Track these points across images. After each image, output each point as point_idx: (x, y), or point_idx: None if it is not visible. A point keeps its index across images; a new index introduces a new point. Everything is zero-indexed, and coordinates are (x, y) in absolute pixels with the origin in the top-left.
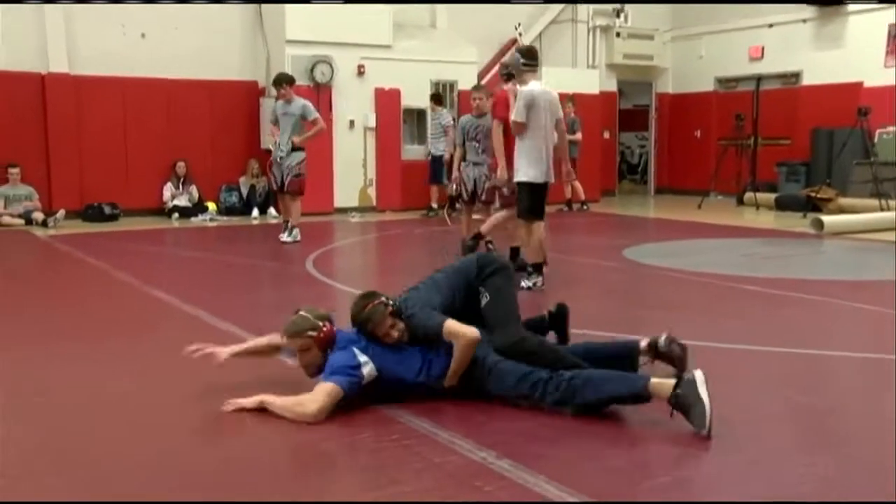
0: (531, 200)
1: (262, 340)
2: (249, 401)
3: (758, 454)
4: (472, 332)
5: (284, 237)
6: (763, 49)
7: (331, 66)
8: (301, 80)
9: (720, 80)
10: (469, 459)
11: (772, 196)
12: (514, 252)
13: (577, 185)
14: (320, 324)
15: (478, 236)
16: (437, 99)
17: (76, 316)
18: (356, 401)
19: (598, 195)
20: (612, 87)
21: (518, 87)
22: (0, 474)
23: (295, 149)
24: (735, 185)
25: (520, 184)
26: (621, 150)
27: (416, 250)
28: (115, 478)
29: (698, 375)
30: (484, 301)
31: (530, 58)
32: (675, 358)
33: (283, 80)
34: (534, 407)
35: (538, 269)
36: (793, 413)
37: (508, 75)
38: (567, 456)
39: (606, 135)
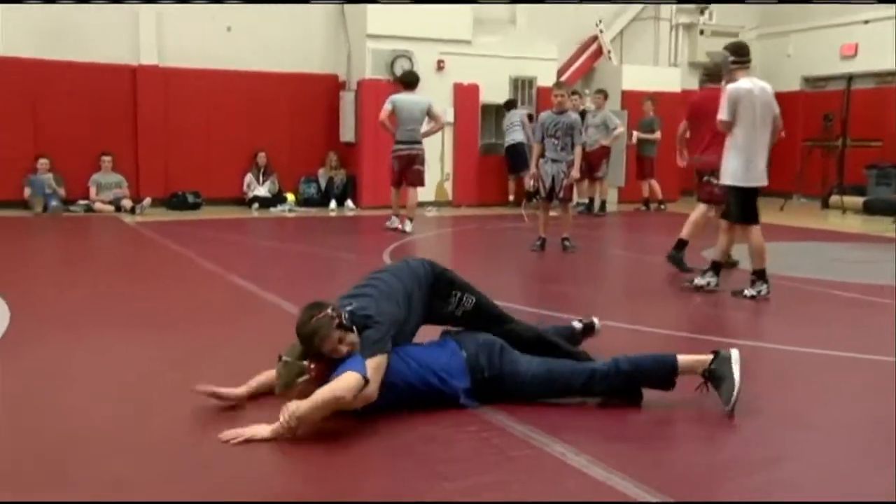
0: (741, 204)
1: (263, 378)
2: (251, 431)
3: (835, 462)
4: (350, 392)
5: (408, 228)
6: (857, 46)
7: (411, 60)
8: (381, 75)
9: (808, 80)
10: (545, 453)
11: (860, 200)
12: (681, 244)
13: (655, 184)
14: (305, 364)
15: (682, 244)
16: (509, 105)
17: (162, 303)
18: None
19: (678, 195)
20: (694, 85)
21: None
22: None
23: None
24: (820, 187)
25: (728, 187)
26: None
27: (490, 246)
28: (197, 453)
29: (734, 354)
30: (470, 302)
31: (740, 54)
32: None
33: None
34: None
35: (762, 275)
36: (874, 421)
37: (710, 77)
38: (648, 456)
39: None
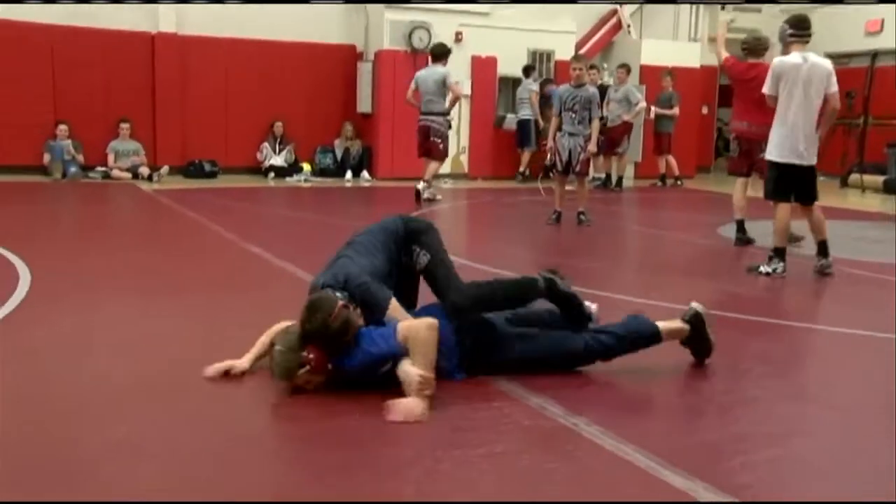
0: (774, 180)
1: (265, 339)
2: (407, 410)
3: (848, 438)
4: (425, 319)
5: (426, 194)
6: (882, 23)
7: (429, 32)
8: (398, 46)
9: (831, 56)
10: (559, 424)
11: (880, 179)
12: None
13: (672, 160)
14: (304, 354)
15: (742, 225)
16: (527, 71)
17: (179, 269)
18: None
19: (694, 171)
20: (713, 60)
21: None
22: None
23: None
24: (840, 166)
25: (767, 161)
26: (719, 127)
27: (506, 218)
28: (210, 410)
29: (701, 311)
30: (424, 260)
31: (800, 27)
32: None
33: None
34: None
35: (780, 254)
36: (889, 399)
37: (749, 51)
38: (661, 427)
39: (705, 110)
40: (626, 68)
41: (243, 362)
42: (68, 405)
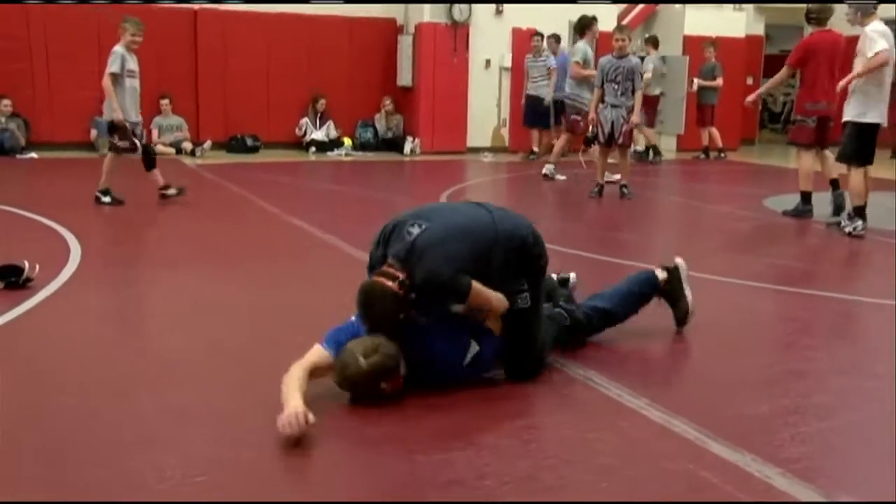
0: (860, 142)
1: (300, 374)
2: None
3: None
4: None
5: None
6: None
7: (469, 4)
8: (439, 18)
9: (885, 22)
10: (602, 395)
11: None
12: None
13: (715, 132)
14: (383, 385)
15: (809, 196)
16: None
17: (226, 241)
18: None
19: (737, 144)
20: (758, 30)
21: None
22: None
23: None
24: (891, 136)
25: (850, 123)
26: (763, 98)
27: (548, 192)
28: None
29: (682, 267)
30: (522, 304)
31: None
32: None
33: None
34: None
35: (860, 212)
36: None
37: (817, 20)
38: (708, 399)
39: (750, 81)
40: (651, 42)
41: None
42: (122, 371)
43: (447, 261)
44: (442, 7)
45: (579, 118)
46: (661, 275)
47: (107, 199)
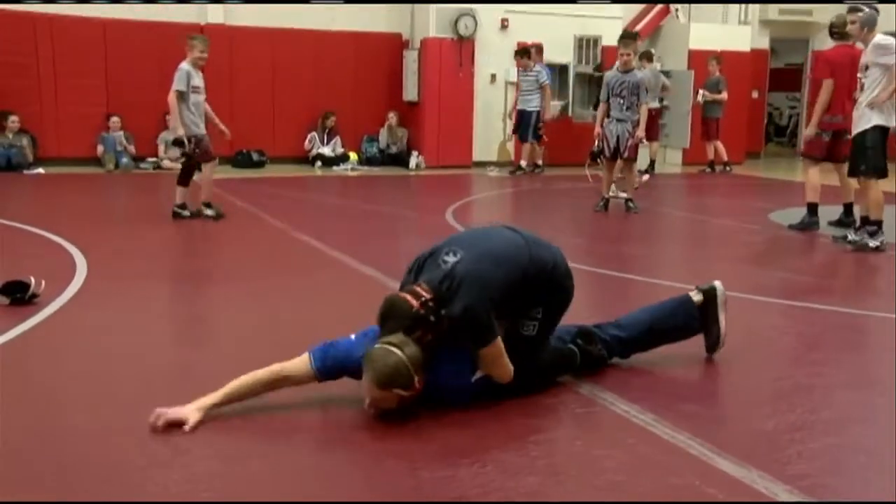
0: (881, 150)
1: (251, 380)
2: None
3: None
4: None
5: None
6: None
7: (474, 19)
8: (444, 33)
9: (888, 32)
10: (610, 411)
11: None
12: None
13: (720, 145)
14: (416, 379)
15: (816, 208)
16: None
17: (232, 257)
18: None
19: (743, 157)
20: (763, 44)
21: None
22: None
23: None
24: None
25: (869, 130)
26: (769, 112)
27: (553, 206)
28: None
29: (719, 291)
30: (528, 332)
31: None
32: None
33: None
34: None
35: (881, 226)
36: None
37: (840, 34)
38: (714, 415)
39: (755, 95)
40: (646, 55)
41: (195, 413)
42: (127, 386)
43: (483, 291)
44: (447, 22)
45: None
46: (697, 297)
47: (210, 213)
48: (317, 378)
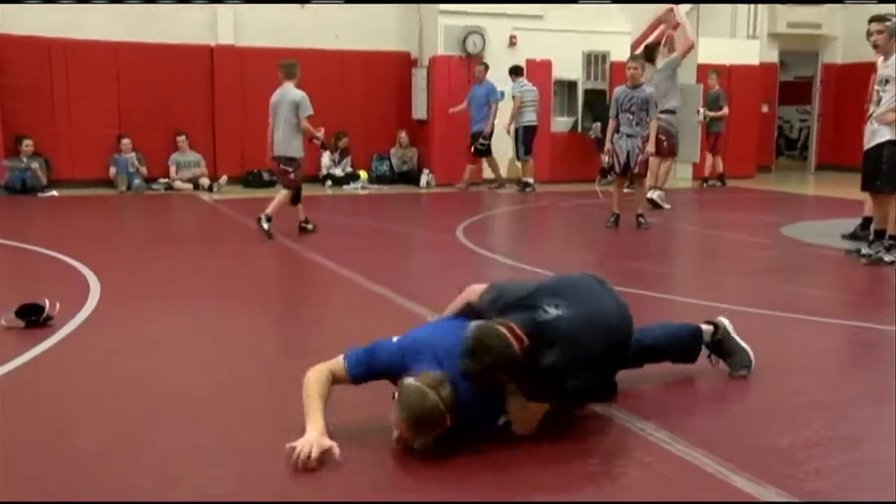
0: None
1: (319, 386)
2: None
3: None
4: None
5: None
6: None
7: (483, 36)
8: (453, 51)
9: None
10: (624, 428)
11: None
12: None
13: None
14: (447, 419)
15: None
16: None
17: (245, 278)
18: None
19: (754, 171)
20: (772, 58)
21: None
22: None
23: None
24: None
25: (888, 143)
26: (779, 125)
27: (564, 222)
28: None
29: (728, 324)
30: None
31: None
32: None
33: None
34: None
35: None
36: None
37: None
38: (730, 432)
39: (765, 108)
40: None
41: (326, 438)
42: (141, 409)
43: (575, 358)
44: (455, 40)
45: (664, 138)
46: (707, 327)
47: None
48: (352, 383)
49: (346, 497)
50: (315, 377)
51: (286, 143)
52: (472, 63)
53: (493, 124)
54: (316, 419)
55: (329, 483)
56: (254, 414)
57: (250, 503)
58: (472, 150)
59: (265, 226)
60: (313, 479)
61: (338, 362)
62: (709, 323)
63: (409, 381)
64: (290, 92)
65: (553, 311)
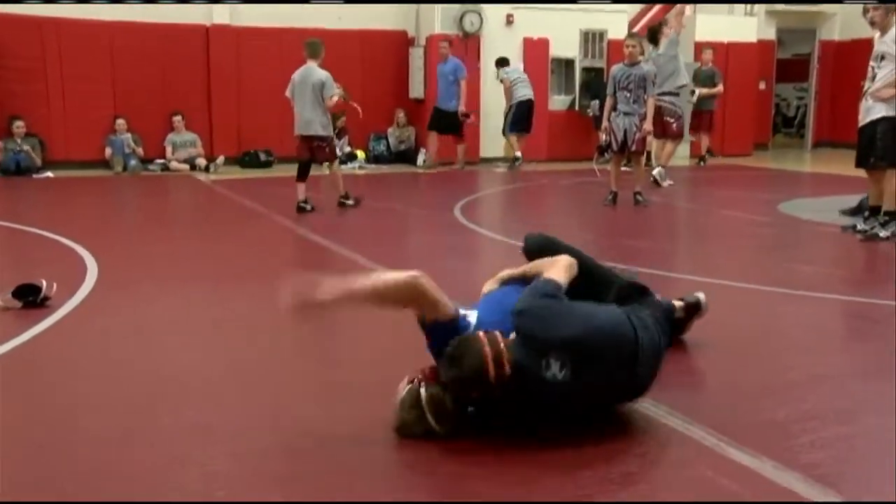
0: (890, 142)
1: (370, 286)
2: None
3: None
4: None
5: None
6: None
7: (480, 15)
8: (450, 30)
9: None
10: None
11: None
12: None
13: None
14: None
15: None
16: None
17: (241, 257)
18: None
19: (751, 149)
20: (770, 35)
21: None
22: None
23: None
24: None
25: (883, 120)
26: (776, 103)
27: (562, 201)
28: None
29: (703, 301)
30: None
31: None
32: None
33: None
34: None
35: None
36: None
37: None
38: (727, 405)
39: (762, 86)
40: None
41: (325, 296)
42: (142, 389)
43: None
44: (453, 19)
45: (672, 121)
46: (679, 303)
47: (350, 202)
48: (448, 320)
49: (350, 497)
50: (425, 281)
51: (315, 122)
52: (469, 42)
53: (465, 101)
54: (362, 282)
55: (330, 477)
56: (258, 394)
57: (251, 503)
58: (458, 130)
59: (348, 202)
60: (313, 463)
61: (449, 304)
62: (682, 300)
63: (431, 390)
64: (315, 72)
65: (553, 371)
